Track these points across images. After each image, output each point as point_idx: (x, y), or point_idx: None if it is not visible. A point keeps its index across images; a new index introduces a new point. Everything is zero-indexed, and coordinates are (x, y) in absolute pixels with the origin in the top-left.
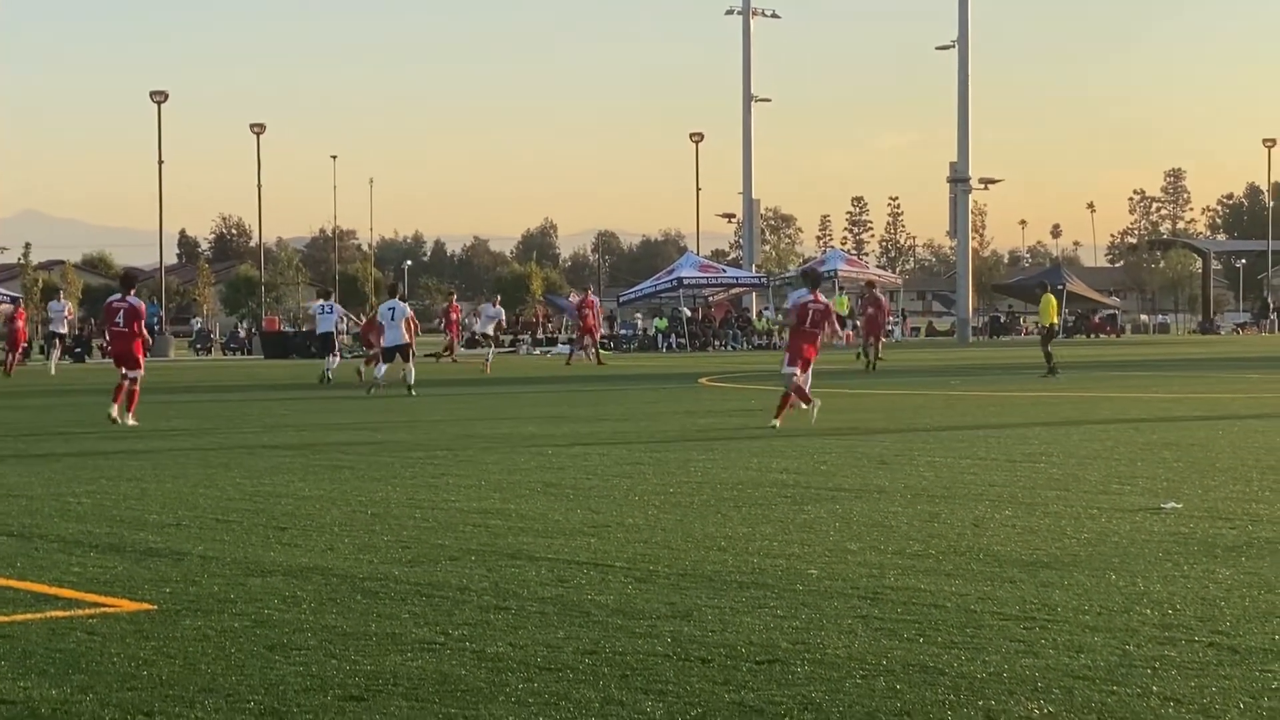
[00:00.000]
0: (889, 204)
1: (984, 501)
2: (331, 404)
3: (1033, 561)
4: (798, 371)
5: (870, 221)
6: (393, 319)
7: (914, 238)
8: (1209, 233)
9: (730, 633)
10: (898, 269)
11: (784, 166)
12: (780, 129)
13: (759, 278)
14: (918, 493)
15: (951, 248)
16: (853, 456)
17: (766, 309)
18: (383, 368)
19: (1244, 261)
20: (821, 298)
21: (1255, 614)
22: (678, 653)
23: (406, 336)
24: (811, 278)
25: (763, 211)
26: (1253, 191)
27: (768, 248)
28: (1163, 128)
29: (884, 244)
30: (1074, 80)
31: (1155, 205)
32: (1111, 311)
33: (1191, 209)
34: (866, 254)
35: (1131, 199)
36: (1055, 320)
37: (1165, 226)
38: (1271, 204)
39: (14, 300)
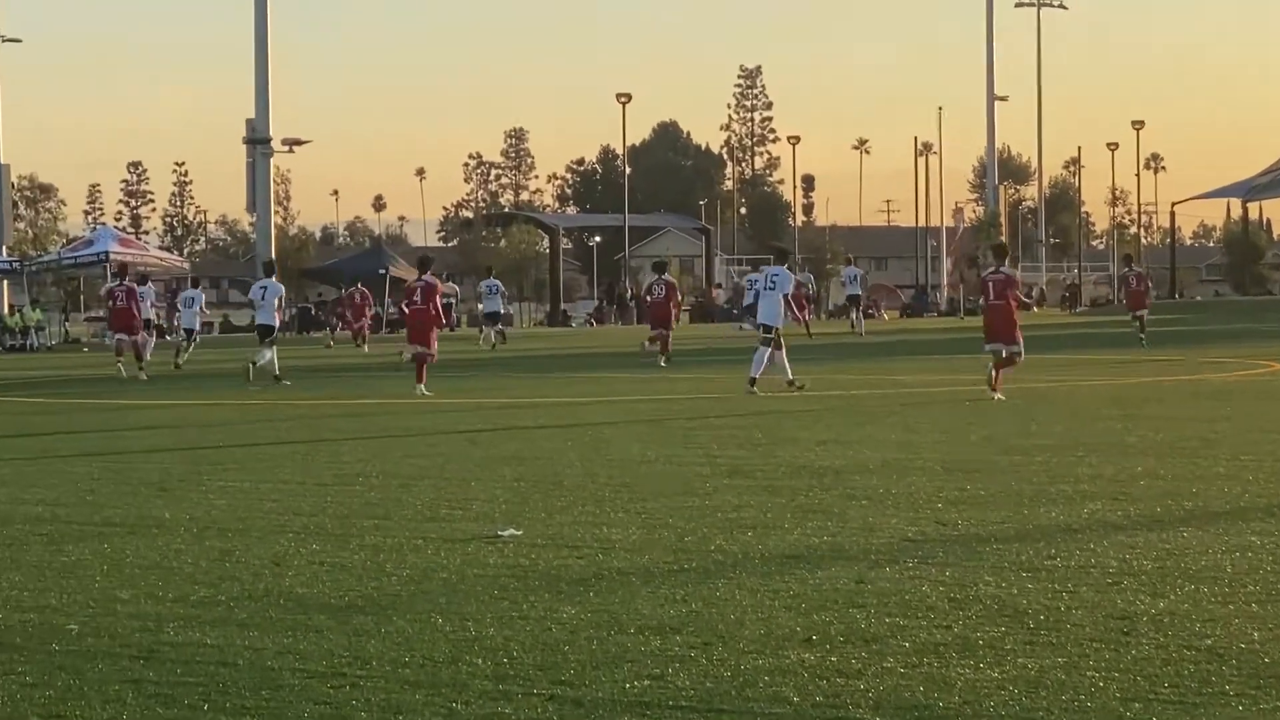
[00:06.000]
0: (174, 171)
1: (287, 534)
2: None
3: (344, 605)
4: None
5: (151, 192)
6: (263, 299)
7: (205, 212)
8: (557, 205)
9: None
10: (185, 250)
11: (41, 124)
12: (35, 77)
13: (11, 262)
14: (206, 526)
15: (251, 224)
16: (127, 483)
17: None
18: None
19: (598, 239)
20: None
21: (603, 659)
22: None
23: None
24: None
25: (15, 180)
26: (606, 156)
27: (22, 225)
28: (500, 79)
29: (168, 219)
30: (392, 23)
31: (495, 172)
32: (448, 300)
33: (537, 177)
34: (147, 232)
35: (467, 164)
36: None
37: (507, 198)
38: (629, 170)
39: None
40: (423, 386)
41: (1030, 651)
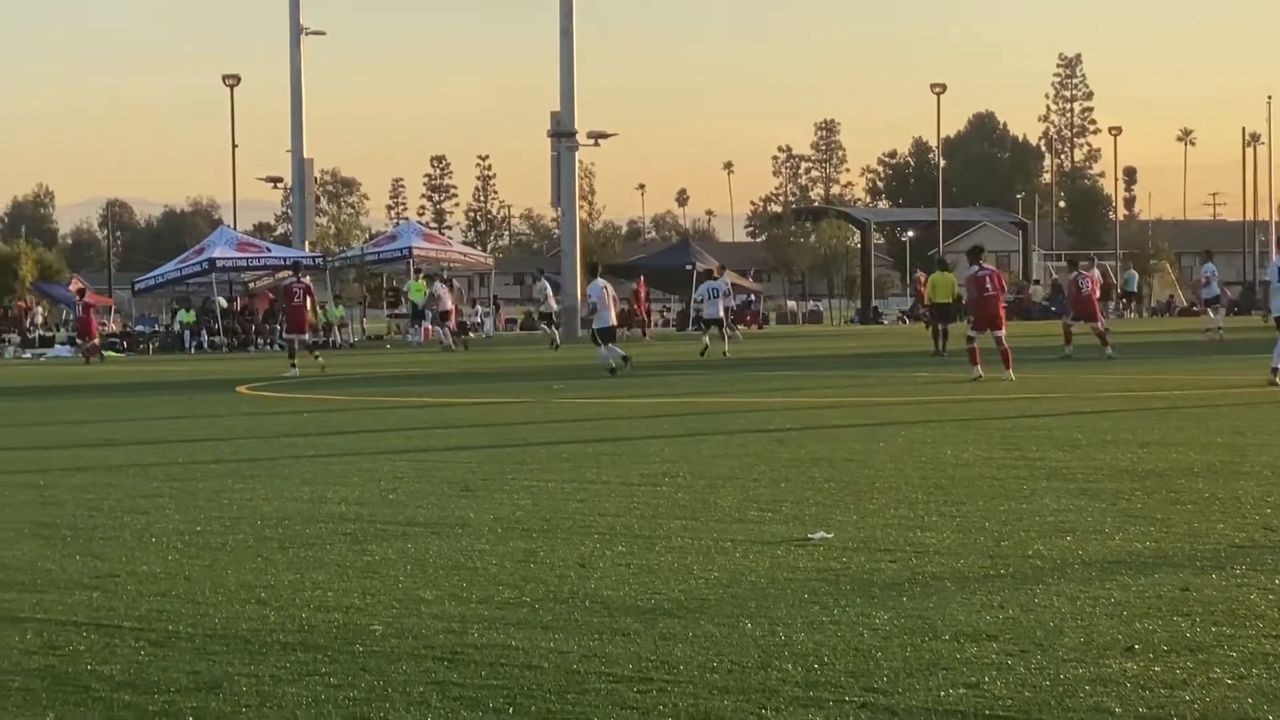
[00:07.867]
0: (478, 164)
1: (592, 535)
2: None
3: (651, 608)
4: None
5: (455, 186)
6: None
7: (509, 206)
8: (869, 199)
9: (270, 708)
10: (489, 245)
11: (345, 118)
12: (339, 71)
13: (314, 258)
14: (510, 526)
15: (555, 219)
16: (430, 482)
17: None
18: (614, 350)
19: (911, 234)
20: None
21: (917, 666)
22: None
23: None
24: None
25: (318, 174)
26: (919, 148)
27: (325, 220)
28: (810, 70)
29: (471, 214)
30: (700, 15)
31: (804, 165)
32: (751, 296)
33: (848, 170)
34: (450, 227)
35: (776, 157)
36: (950, 299)
37: (817, 191)
38: (943, 163)
39: None
40: (1010, 372)
41: None
